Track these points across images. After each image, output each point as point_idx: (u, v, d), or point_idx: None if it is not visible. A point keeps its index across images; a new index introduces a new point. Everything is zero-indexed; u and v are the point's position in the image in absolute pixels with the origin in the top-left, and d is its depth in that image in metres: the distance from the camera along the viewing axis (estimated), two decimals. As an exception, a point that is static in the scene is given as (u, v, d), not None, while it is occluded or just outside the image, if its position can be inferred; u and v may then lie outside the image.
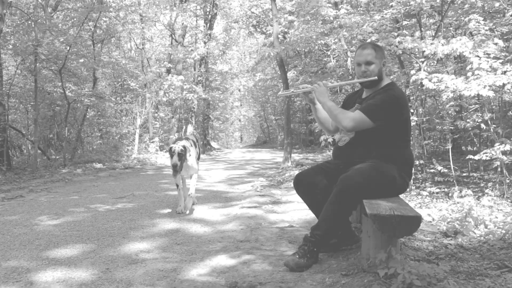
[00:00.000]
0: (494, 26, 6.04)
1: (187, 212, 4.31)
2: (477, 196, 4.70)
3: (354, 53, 4.09)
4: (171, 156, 4.05)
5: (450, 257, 2.55)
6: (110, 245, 3.14)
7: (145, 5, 16.85)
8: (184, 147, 4.09)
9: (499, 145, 4.69)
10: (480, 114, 5.77)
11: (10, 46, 10.08)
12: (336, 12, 8.11)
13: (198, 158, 4.85)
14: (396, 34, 5.87)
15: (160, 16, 19.17)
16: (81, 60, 11.61)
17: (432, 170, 6.02)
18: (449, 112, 6.07)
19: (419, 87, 5.52)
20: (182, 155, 4.05)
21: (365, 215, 2.42)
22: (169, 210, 4.55)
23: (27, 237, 3.41)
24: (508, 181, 4.80)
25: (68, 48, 10.42)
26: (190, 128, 17.96)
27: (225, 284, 2.30)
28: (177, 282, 2.34)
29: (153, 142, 15.15)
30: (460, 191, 4.83)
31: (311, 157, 12.56)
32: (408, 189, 4.84)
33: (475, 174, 6.53)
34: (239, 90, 33.88)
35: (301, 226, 3.72)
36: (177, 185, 4.41)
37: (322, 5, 8.10)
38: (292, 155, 10.75)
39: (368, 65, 2.74)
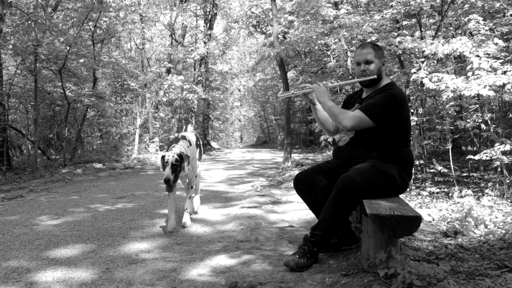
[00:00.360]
0: (494, 26, 6.04)
1: (188, 225, 3.67)
2: (477, 196, 4.70)
3: (354, 53, 4.08)
4: (163, 167, 3.34)
5: (450, 257, 2.55)
6: (110, 245, 3.14)
7: (145, 5, 16.85)
8: (180, 156, 3.38)
9: (499, 145, 4.69)
10: (480, 114, 5.77)
11: (10, 46, 10.09)
12: (336, 12, 8.11)
13: (200, 159, 4.29)
14: (396, 34, 5.87)
15: (160, 16, 19.18)
16: (81, 60, 11.62)
17: (432, 170, 6.02)
18: (449, 112, 6.06)
19: (419, 87, 5.52)
20: (177, 167, 3.34)
21: (365, 215, 2.42)
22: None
23: (27, 237, 3.41)
24: (508, 181, 4.80)
25: (68, 48, 10.43)
26: (190, 128, 17.96)
27: (225, 284, 2.30)
28: (177, 282, 2.34)
29: (153, 142, 15.15)
30: (460, 191, 4.83)
31: (311, 157, 12.56)
32: (408, 189, 4.85)
33: (475, 174, 6.53)
34: (239, 90, 33.89)
35: (301, 226, 3.73)
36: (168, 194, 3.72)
37: (322, 5, 8.10)
38: (292, 155, 10.75)
39: (367, 64, 2.75)
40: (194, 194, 3.93)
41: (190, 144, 3.80)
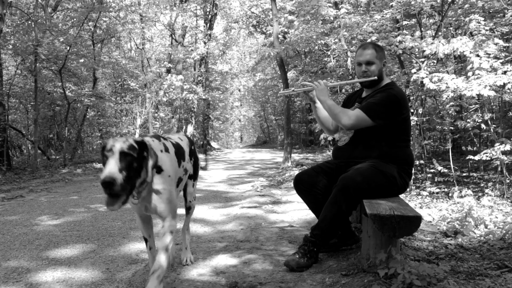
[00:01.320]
0: (494, 26, 6.04)
1: None
2: (477, 196, 4.69)
3: (354, 53, 4.05)
4: (103, 162, 1.83)
5: (450, 257, 2.55)
6: (110, 245, 3.14)
7: (145, 5, 16.86)
8: (140, 143, 1.89)
9: (499, 145, 4.68)
10: (480, 114, 5.77)
11: (10, 46, 10.10)
12: (336, 12, 8.11)
13: (195, 179, 2.72)
14: (396, 34, 5.87)
15: (160, 16, 19.19)
16: (81, 60, 11.63)
17: (432, 170, 6.02)
18: (449, 112, 6.06)
19: (420, 87, 5.51)
20: (131, 159, 1.82)
21: (365, 215, 2.42)
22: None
23: (27, 237, 3.41)
24: (508, 181, 4.80)
25: (68, 48, 10.43)
26: (190, 128, 17.95)
27: (225, 284, 2.30)
28: (177, 282, 2.34)
29: (153, 142, 15.14)
30: (460, 191, 4.83)
31: (311, 157, 12.56)
32: (408, 189, 4.84)
33: (475, 174, 6.53)
34: (239, 90, 33.88)
35: (301, 226, 3.72)
36: (145, 240, 2.28)
37: (322, 5, 8.10)
38: (292, 155, 10.75)
39: (368, 65, 2.75)
40: (165, 254, 2.04)
41: (167, 150, 2.16)
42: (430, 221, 3.71)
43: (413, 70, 5.56)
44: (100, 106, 13.55)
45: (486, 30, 5.29)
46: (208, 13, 19.75)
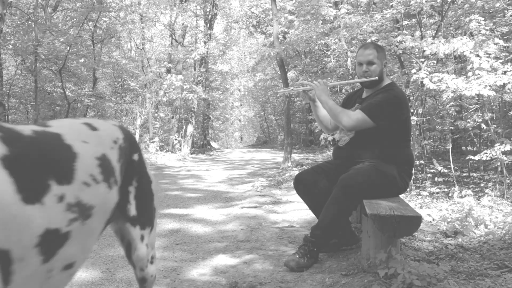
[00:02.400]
0: (494, 26, 6.04)
1: None
2: (477, 196, 4.69)
3: (354, 53, 4.06)
4: None
5: (450, 257, 2.55)
6: (110, 245, 3.13)
7: (145, 5, 16.86)
8: None
9: (499, 145, 4.68)
10: (480, 114, 5.77)
11: (10, 46, 10.11)
12: (336, 12, 8.11)
13: (144, 224, 1.27)
14: (396, 34, 5.88)
15: (160, 16, 19.18)
16: (81, 60, 11.65)
17: (432, 170, 6.02)
18: (449, 112, 6.06)
19: (420, 87, 5.52)
20: None
21: (365, 215, 2.42)
22: (169, 210, 4.55)
23: (27, 237, 3.40)
24: (508, 181, 4.80)
25: (68, 48, 10.44)
26: (190, 128, 17.94)
27: (225, 284, 2.30)
28: (177, 282, 2.34)
29: (153, 142, 15.14)
30: (460, 191, 4.82)
31: (311, 157, 12.56)
32: (408, 189, 4.84)
33: (475, 174, 6.53)
34: (239, 90, 33.87)
35: (301, 226, 3.73)
36: None
37: (322, 5, 8.10)
38: (292, 155, 10.73)
39: (369, 65, 2.74)
40: None
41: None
42: (430, 221, 3.71)
43: (413, 70, 5.56)
44: (100, 106, 13.56)
45: (486, 30, 5.29)
46: (208, 13, 19.74)
